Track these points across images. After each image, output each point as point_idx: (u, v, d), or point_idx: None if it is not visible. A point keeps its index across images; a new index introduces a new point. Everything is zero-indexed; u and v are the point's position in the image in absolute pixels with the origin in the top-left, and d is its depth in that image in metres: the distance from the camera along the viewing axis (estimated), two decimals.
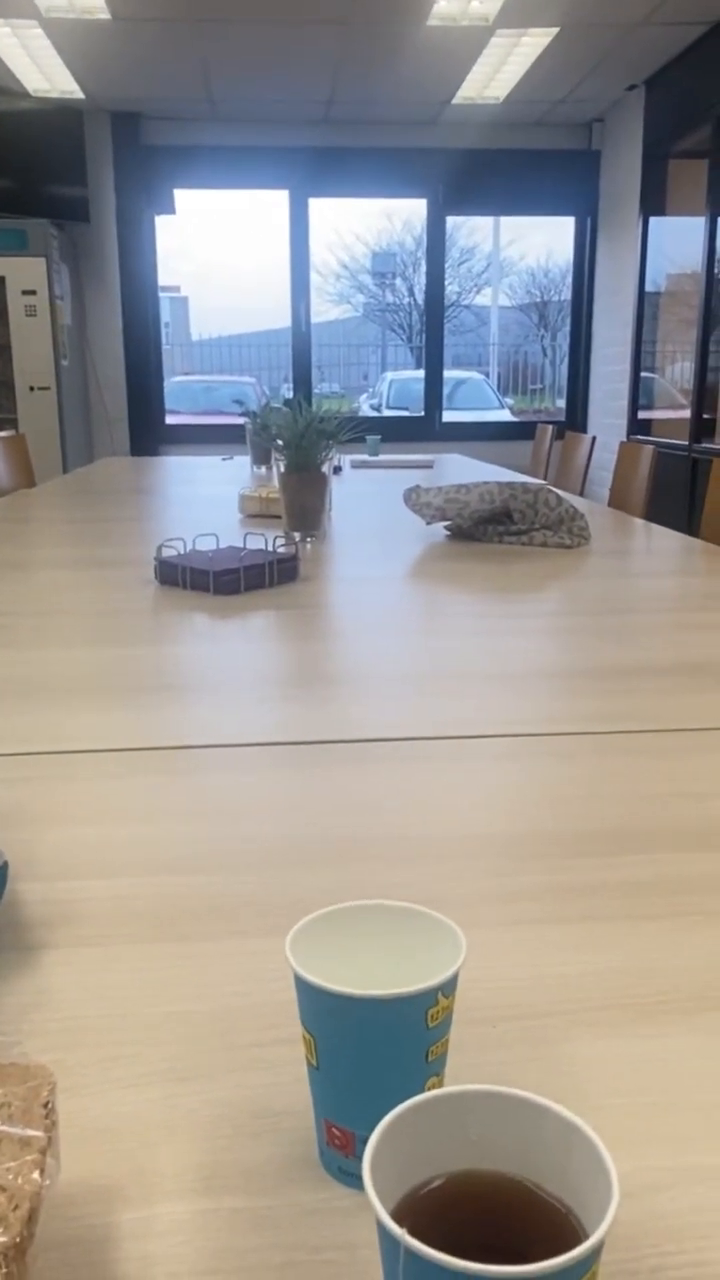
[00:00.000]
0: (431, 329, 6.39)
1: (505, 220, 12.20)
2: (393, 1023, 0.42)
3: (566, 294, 6.83)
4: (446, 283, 6.45)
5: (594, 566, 1.90)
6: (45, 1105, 0.40)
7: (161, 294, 6.18)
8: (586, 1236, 0.31)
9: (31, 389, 5.15)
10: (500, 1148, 0.35)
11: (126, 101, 5.45)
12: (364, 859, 0.76)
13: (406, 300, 14.10)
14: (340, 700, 1.14)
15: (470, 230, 13.27)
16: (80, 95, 5.30)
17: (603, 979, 0.60)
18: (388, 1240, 0.31)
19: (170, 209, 5.83)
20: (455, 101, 5.47)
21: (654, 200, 5.38)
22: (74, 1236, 0.42)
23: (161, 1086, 0.51)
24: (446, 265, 6.36)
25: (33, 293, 5.05)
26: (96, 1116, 0.49)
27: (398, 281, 14.41)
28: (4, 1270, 0.33)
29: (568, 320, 6.65)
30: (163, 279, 6.14)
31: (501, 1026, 0.56)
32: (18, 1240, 0.35)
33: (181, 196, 5.87)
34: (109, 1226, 0.43)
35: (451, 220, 6.32)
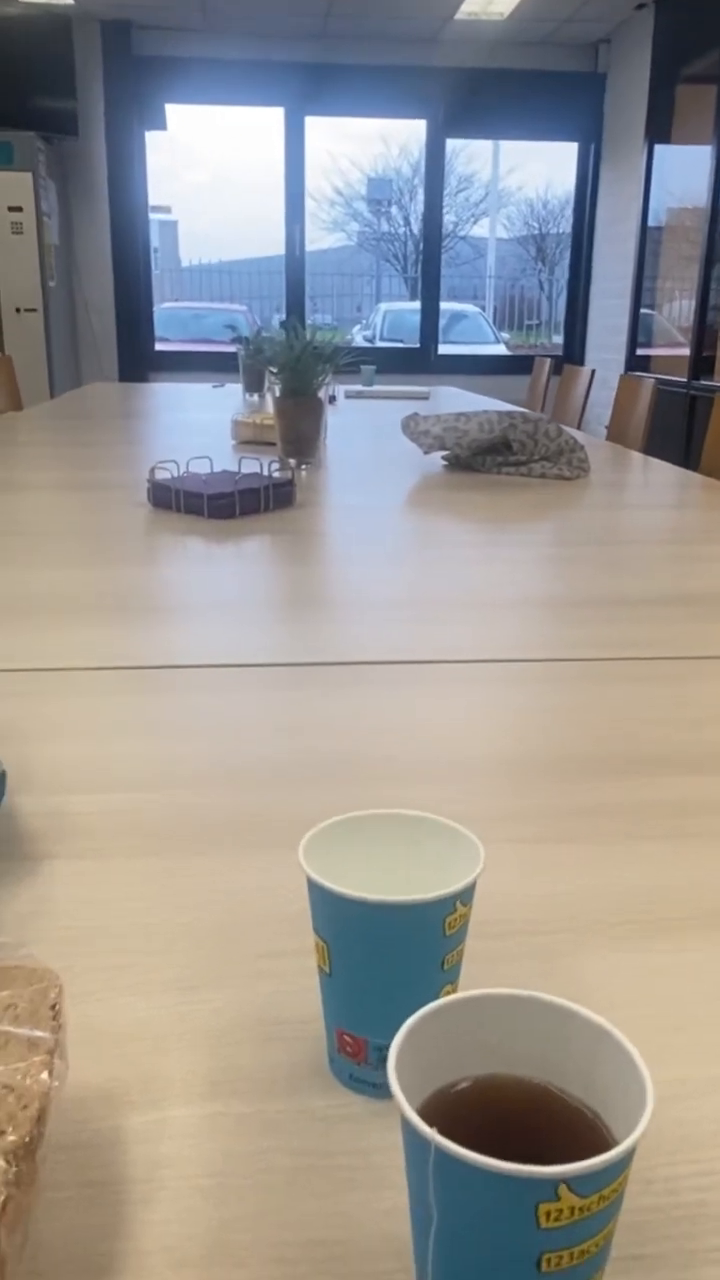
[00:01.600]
0: (429, 258, 6.25)
1: (505, 147, 11.87)
2: (410, 929, 0.41)
3: (565, 226, 6.68)
4: (444, 212, 6.29)
5: (593, 498, 1.88)
6: (53, 1008, 0.39)
7: (151, 215, 6.01)
8: (615, 1142, 0.30)
9: (18, 310, 5.02)
10: (524, 1053, 0.34)
11: (117, 9, 5.23)
12: (364, 778, 0.75)
13: (402, 230, 13.77)
14: (337, 624, 1.12)
15: (469, 157, 12.92)
16: (69, 1, 5.08)
17: (612, 896, 0.60)
18: (415, 1141, 0.30)
19: (162, 124, 5.64)
20: (458, 17, 5.28)
21: (660, 127, 5.23)
22: (82, 1140, 0.41)
23: (168, 994, 0.50)
24: (444, 194, 6.20)
25: (19, 209, 4.89)
26: (103, 1023, 0.48)
27: (393, 210, 14.06)
28: (14, 1169, 0.33)
29: (566, 254, 6.51)
30: (153, 199, 5.97)
31: (511, 941, 0.55)
32: (27, 1140, 0.34)
33: (173, 112, 5.68)
34: (117, 1130, 0.42)
35: (450, 145, 6.14)
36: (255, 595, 1.22)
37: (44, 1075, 0.36)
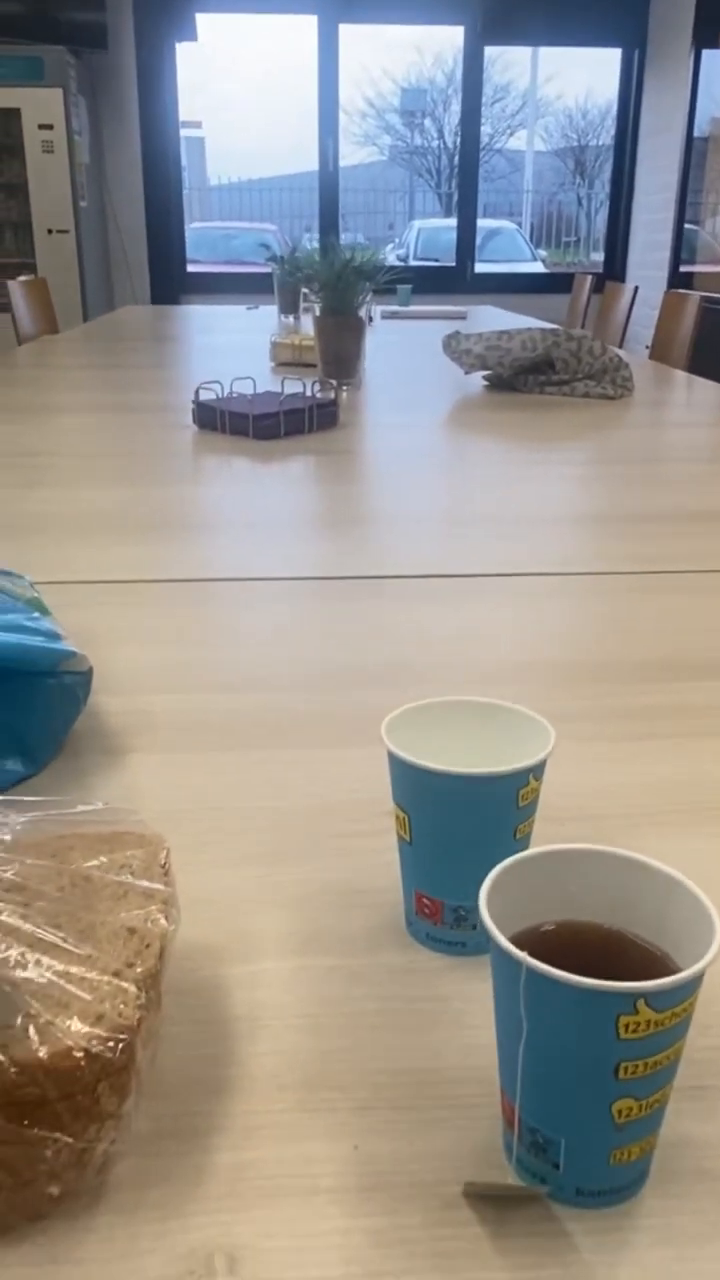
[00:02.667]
0: (465, 172, 6.08)
1: (544, 54, 11.41)
2: (487, 800, 0.45)
3: (606, 138, 6.46)
4: (480, 121, 6.10)
5: (636, 417, 1.87)
6: (163, 866, 0.43)
7: (182, 131, 5.87)
8: None
9: (50, 232, 4.96)
10: (600, 902, 0.38)
11: None
12: (421, 682, 0.78)
13: (436, 143, 13.34)
14: (387, 539, 1.14)
15: (505, 65, 12.42)
16: None
17: (663, 788, 0.63)
18: (505, 965, 0.33)
19: (192, 35, 5.48)
20: None
21: (708, 31, 5.01)
22: (189, 986, 0.45)
23: (255, 867, 0.54)
24: (481, 102, 6.00)
25: (49, 127, 4.80)
26: (197, 890, 0.52)
27: (427, 122, 13.61)
28: (144, 995, 0.37)
29: (606, 167, 6.31)
30: (183, 115, 5.83)
31: (569, 825, 0.58)
32: (153, 971, 0.38)
33: (204, 22, 5.51)
34: (219, 978, 0.46)
35: (487, 54, 5.92)
36: (304, 513, 1.25)
37: (162, 920, 0.40)
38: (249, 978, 0.46)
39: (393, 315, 3.85)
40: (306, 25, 5.60)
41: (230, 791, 0.62)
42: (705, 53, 5.07)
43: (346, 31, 5.66)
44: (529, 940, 0.36)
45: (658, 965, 0.36)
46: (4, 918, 0.37)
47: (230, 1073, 0.41)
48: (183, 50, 5.61)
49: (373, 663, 0.81)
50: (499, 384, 2.11)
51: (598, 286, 4.27)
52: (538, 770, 0.45)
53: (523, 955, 0.32)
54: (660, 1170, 0.37)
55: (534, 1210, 0.35)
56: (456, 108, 6.07)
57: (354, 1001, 0.45)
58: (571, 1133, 0.34)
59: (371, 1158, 0.37)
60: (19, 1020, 0.34)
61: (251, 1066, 0.41)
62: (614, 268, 6.06)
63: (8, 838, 0.40)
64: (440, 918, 0.47)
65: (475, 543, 1.13)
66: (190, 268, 6.07)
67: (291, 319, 3.54)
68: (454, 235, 6.14)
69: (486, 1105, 0.39)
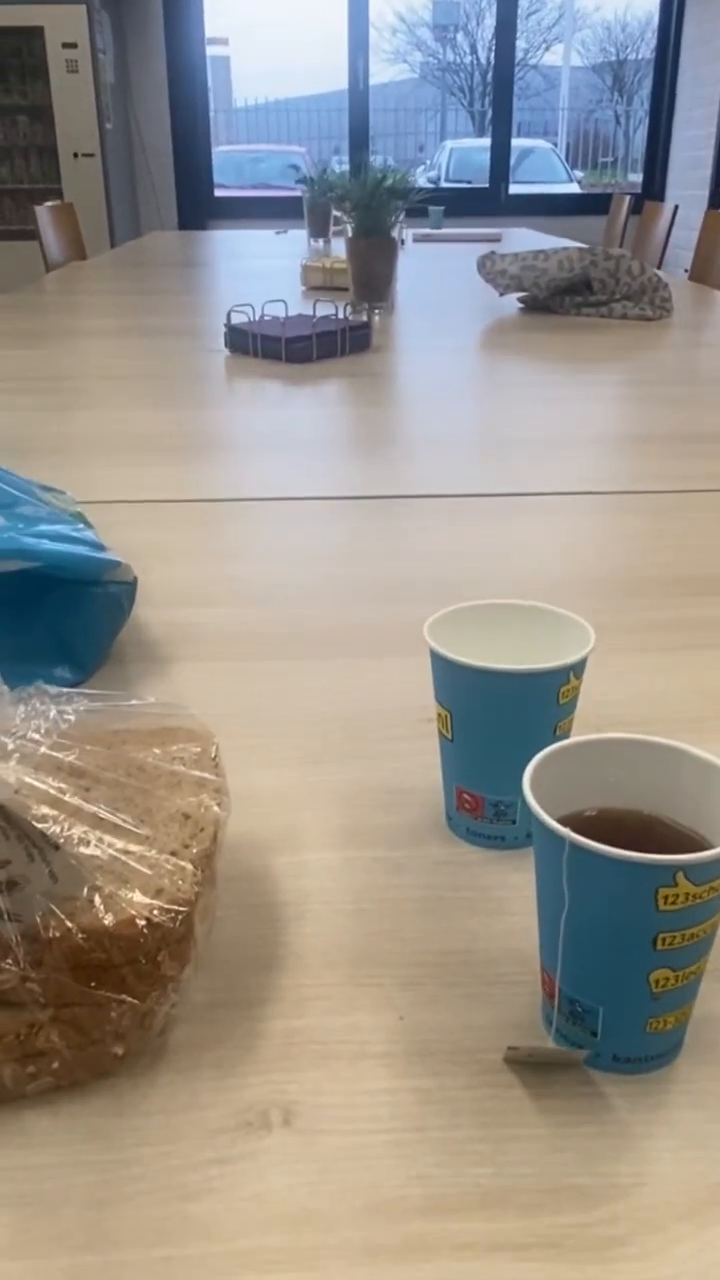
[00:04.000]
0: (500, 89, 5.88)
1: None
2: (529, 696, 0.46)
3: (646, 51, 6.21)
4: (516, 35, 5.87)
5: (674, 338, 1.84)
6: (214, 759, 0.45)
7: (208, 48, 5.71)
8: None
9: (76, 156, 4.88)
10: (639, 789, 0.39)
11: None
12: (457, 596, 0.78)
13: (469, 59, 12.88)
14: (421, 460, 1.14)
15: None
16: None
17: (704, 697, 0.64)
18: (548, 841, 0.35)
19: None
20: None
21: None
22: (238, 874, 0.47)
23: (298, 768, 0.56)
24: (516, 15, 5.78)
25: (73, 45, 4.68)
26: (243, 788, 0.53)
27: (459, 37, 13.13)
28: (200, 872, 0.38)
29: (646, 83, 6.07)
30: (208, 31, 5.66)
31: (607, 732, 0.59)
32: (209, 852, 0.40)
33: None
34: (267, 868, 0.48)
35: None
36: (339, 434, 1.25)
37: (214, 806, 0.42)
38: (296, 867, 0.48)
39: (425, 238, 3.77)
40: None
41: (273, 698, 0.63)
42: None
43: None
44: (571, 823, 0.37)
45: (696, 845, 0.37)
46: (68, 798, 0.38)
47: (280, 951, 0.43)
48: None
49: (410, 578, 0.82)
50: (534, 306, 2.08)
51: (636, 207, 4.15)
52: (578, 668, 0.46)
53: (565, 831, 0.33)
54: (693, 1042, 0.39)
55: (573, 1075, 0.37)
56: (490, 21, 5.86)
57: (397, 889, 0.47)
58: (610, 1002, 0.36)
59: (417, 1027, 0.39)
60: (85, 891, 0.36)
61: (300, 946, 0.43)
62: (653, 187, 5.88)
63: (69, 722, 0.42)
64: (481, 812, 0.49)
65: (512, 463, 1.13)
66: (217, 192, 5.96)
67: (321, 242, 3.48)
68: (487, 156, 5.97)
69: (526, 982, 0.41)
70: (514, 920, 0.44)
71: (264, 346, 1.65)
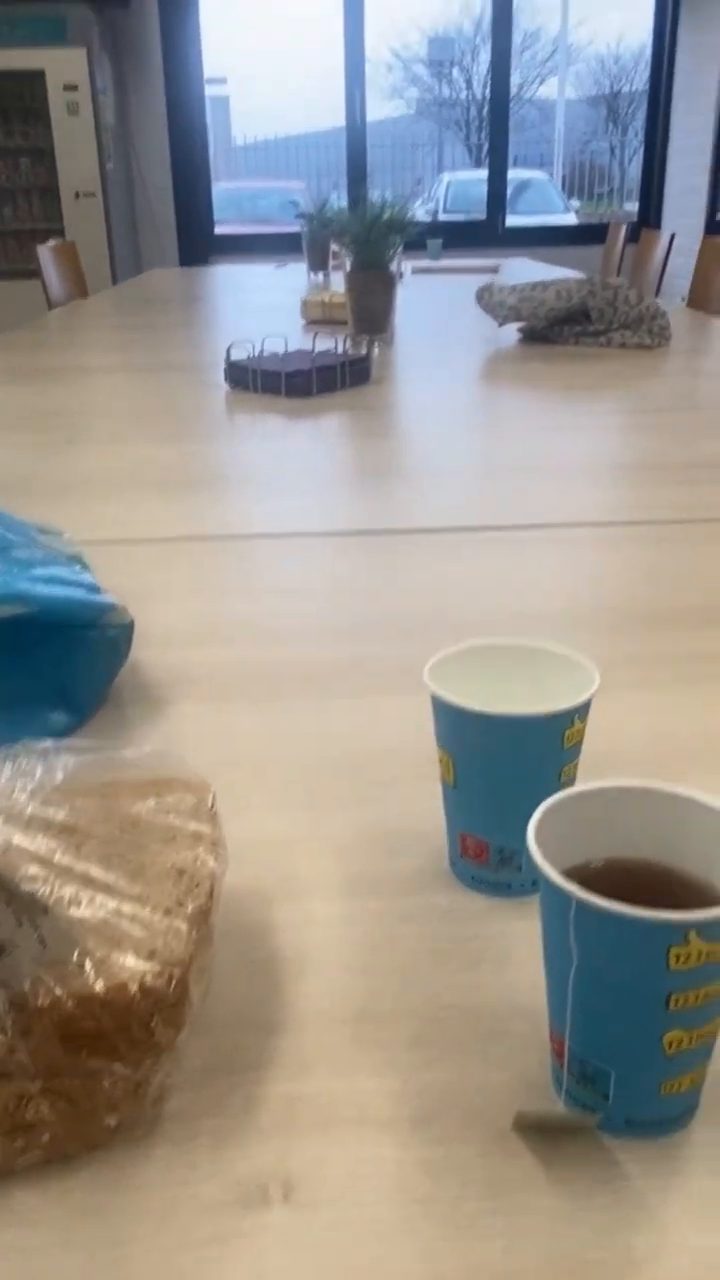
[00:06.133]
0: (495, 123, 5.95)
1: None
2: (532, 741, 0.45)
3: (639, 83, 6.29)
4: (510, 70, 5.95)
5: (673, 366, 1.84)
6: (210, 809, 0.44)
7: (207, 87, 5.79)
8: None
9: (77, 196, 4.93)
10: (648, 839, 0.38)
11: None
12: (457, 633, 0.77)
13: (464, 94, 13.06)
14: (421, 493, 1.13)
15: (535, 10, 12.10)
16: None
17: (712, 734, 0.62)
18: (555, 898, 0.33)
19: None
20: None
21: None
22: (237, 928, 0.46)
23: (299, 813, 0.55)
24: (511, 50, 5.85)
25: (74, 88, 4.75)
26: (243, 836, 0.52)
27: (455, 72, 13.32)
28: (195, 931, 0.37)
29: (639, 113, 6.14)
30: (207, 71, 5.74)
31: (615, 771, 0.58)
32: (204, 909, 0.38)
33: None
34: (268, 920, 0.47)
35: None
36: (338, 468, 1.24)
37: (210, 860, 0.41)
38: (297, 919, 0.47)
39: (424, 270, 3.80)
40: None
41: (272, 740, 0.62)
42: None
43: None
44: (577, 876, 0.36)
45: (708, 899, 0.36)
46: (59, 857, 0.37)
47: (280, 1010, 0.42)
48: (205, 4, 5.52)
49: (411, 614, 0.81)
50: (533, 336, 2.08)
51: (632, 235, 4.18)
52: (582, 711, 0.45)
53: (573, 887, 0.32)
54: (711, 1102, 0.37)
55: (585, 1141, 0.36)
56: (485, 56, 5.93)
57: (401, 941, 0.45)
58: (622, 1064, 0.35)
59: (422, 1090, 0.38)
60: (75, 955, 0.35)
61: (301, 1004, 0.42)
62: (649, 216, 5.92)
63: (59, 777, 0.41)
64: (486, 859, 0.47)
65: (513, 494, 1.12)
66: (218, 229, 6.02)
67: (321, 276, 3.51)
68: (484, 188, 6.02)
69: (535, 1040, 0.39)
70: (521, 972, 0.43)
71: (264, 381, 1.65)
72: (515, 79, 6.59)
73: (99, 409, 1.58)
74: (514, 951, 0.44)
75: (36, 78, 4.78)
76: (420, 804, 0.54)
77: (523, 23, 11.49)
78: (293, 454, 1.30)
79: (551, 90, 13.15)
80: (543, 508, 1.06)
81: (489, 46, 5.85)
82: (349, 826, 0.53)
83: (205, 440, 1.37)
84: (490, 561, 0.92)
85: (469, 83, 12.92)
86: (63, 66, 4.74)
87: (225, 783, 0.57)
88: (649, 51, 5.89)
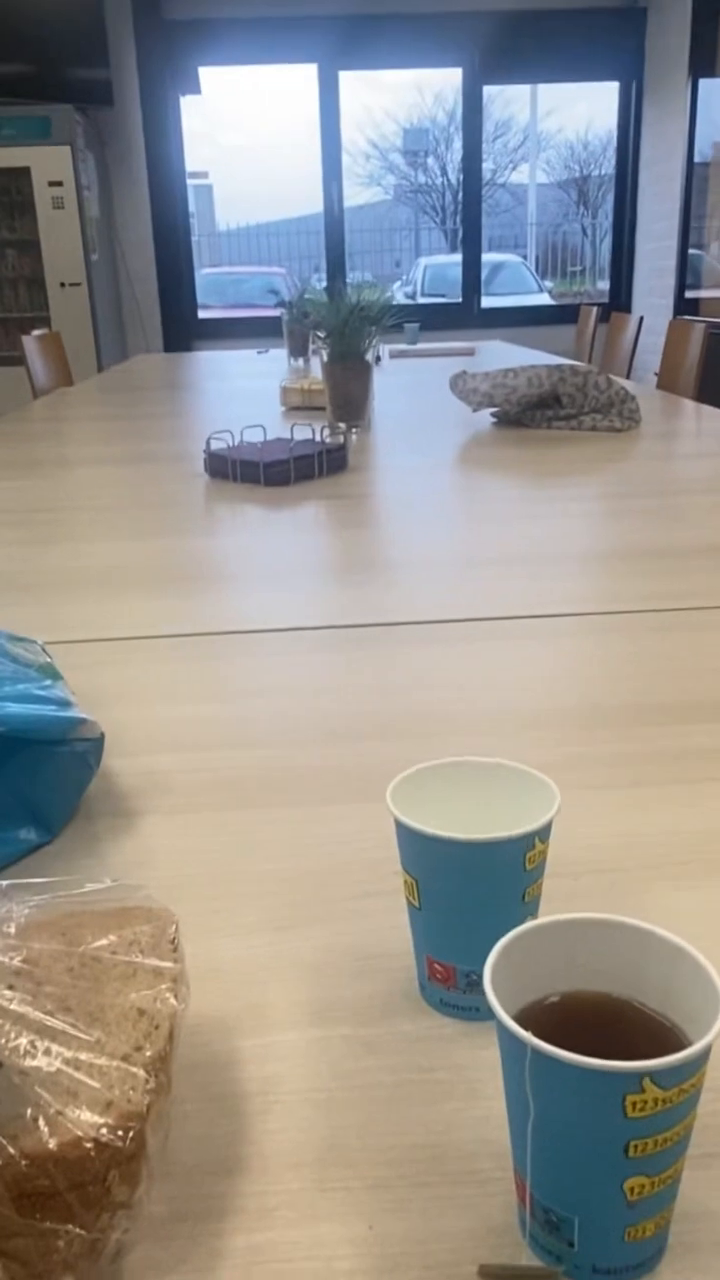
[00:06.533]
0: (469, 209, 6.15)
1: (543, 89, 11.56)
2: (494, 864, 0.45)
3: (608, 168, 6.52)
4: (482, 159, 6.18)
5: (645, 449, 1.87)
6: (172, 942, 0.43)
7: (189, 181, 5.99)
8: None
9: (62, 285, 5.06)
10: (607, 971, 0.38)
11: None
12: (433, 733, 0.78)
13: (439, 180, 13.51)
14: (397, 585, 1.15)
15: (505, 102, 12.58)
16: None
17: (680, 837, 0.62)
18: (512, 1045, 0.33)
19: (196, 89, 5.60)
20: None
21: (704, 60, 5.08)
22: (201, 1061, 0.45)
23: (266, 933, 0.54)
24: (482, 140, 6.08)
25: (59, 184, 4.91)
26: (207, 960, 0.52)
27: (429, 160, 13.79)
28: (154, 1079, 0.37)
29: (609, 196, 6.36)
30: (190, 165, 5.94)
31: (584, 879, 0.58)
32: (162, 1054, 0.38)
33: (206, 75, 5.63)
34: (231, 1052, 0.46)
35: (487, 91, 6.02)
36: (315, 560, 1.26)
37: (171, 999, 0.40)
38: (262, 1050, 0.46)
39: (401, 354, 3.89)
40: (307, 74, 5.72)
41: (241, 852, 0.62)
42: (702, 81, 5.13)
43: (346, 77, 5.77)
44: (535, 1014, 0.36)
45: (666, 1036, 0.35)
46: (13, 1006, 0.37)
47: (243, 1151, 0.41)
48: (187, 103, 5.74)
49: (386, 712, 0.81)
50: (507, 420, 2.13)
51: (604, 316, 4.30)
52: (543, 833, 0.45)
53: (527, 1036, 0.32)
54: (677, 1244, 0.36)
55: None
56: (459, 145, 6.16)
57: (368, 1073, 0.45)
58: (584, 1211, 0.34)
59: (386, 1238, 0.37)
60: (29, 1111, 0.34)
61: (264, 1145, 0.41)
62: (619, 296, 6.10)
63: (14, 928, 0.40)
64: (453, 983, 0.47)
65: (488, 585, 1.13)
66: (201, 313, 6.16)
67: (301, 362, 3.59)
68: (460, 271, 6.20)
69: (501, 1180, 0.39)
70: (488, 1105, 0.43)
71: (242, 471, 1.68)
72: (488, 166, 6.82)
73: (79, 503, 1.60)
74: (482, 1084, 0.44)
75: (23, 174, 4.94)
76: (387, 918, 0.54)
77: (494, 113, 11.94)
78: (269, 546, 1.31)
79: (523, 176, 13.60)
80: (518, 599, 1.08)
81: (461, 137, 6.08)
82: (315, 948, 0.53)
83: (182, 534, 1.39)
84: (466, 656, 0.93)
85: (444, 170, 13.36)
86: (48, 163, 4.89)
87: (192, 901, 0.57)
88: (614, 140, 6.13)
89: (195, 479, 1.72)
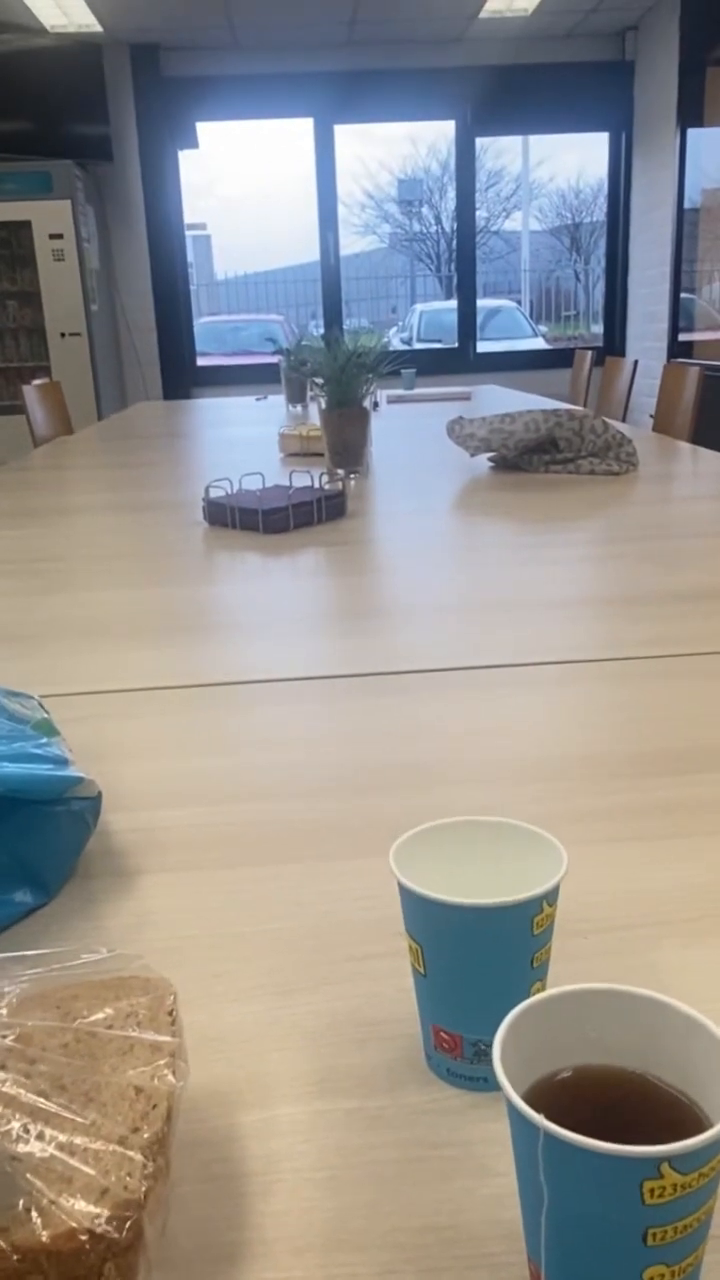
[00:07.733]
0: (463, 256, 6.25)
1: (535, 140, 11.81)
2: (501, 930, 0.43)
3: (599, 215, 6.64)
4: (475, 209, 6.28)
5: (642, 493, 1.88)
6: (170, 1014, 0.42)
7: (187, 232, 6.09)
8: (711, 1124, 0.32)
9: (62, 335, 5.12)
10: (620, 1044, 0.36)
11: (145, 33, 5.32)
12: (437, 784, 0.77)
13: (434, 228, 13.75)
14: (398, 632, 1.14)
15: (498, 152, 12.84)
16: (98, 29, 5.18)
17: (688, 891, 0.61)
18: (523, 1127, 0.32)
19: (193, 143, 5.71)
20: (482, 16, 5.28)
21: (692, 111, 5.18)
22: (201, 1137, 0.44)
23: (267, 1000, 0.53)
24: (475, 191, 6.19)
25: (59, 236, 4.99)
26: (208, 1028, 0.51)
27: (424, 209, 14.04)
28: (152, 1163, 0.35)
29: (601, 242, 6.47)
30: (188, 217, 6.05)
31: (593, 938, 0.57)
32: (160, 1136, 0.37)
33: (204, 130, 5.75)
34: (231, 1128, 0.45)
35: (479, 142, 6.14)
36: (315, 608, 1.25)
37: (169, 1076, 0.39)
38: (263, 1126, 0.45)
39: (398, 399, 3.92)
40: (303, 128, 5.83)
41: (241, 912, 0.61)
42: (691, 131, 5.23)
43: (343, 130, 5.89)
44: (547, 1091, 0.35)
45: (684, 1114, 0.34)
46: (5, 1088, 0.36)
47: (244, 1236, 0.39)
48: (185, 157, 5.85)
49: (387, 763, 0.80)
50: (504, 464, 2.14)
51: (598, 360, 4.34)
52: (551, 896, 0.44)
53: (539, 1119, 0.31)
54: None
55: None
56: (452, 194, 6.27)
57: (373, 1150, 0.43)
58: None
59: None
60: (20, 1202, 0.33)
61: (266, 1227, 0.40)
62: (614, 341, 6.17)
63: (5, 1008, 0.39)
64: (460, 1052, 0.46)
65: (488, 632, 1.13)
66: (200, 361, 6.23)
67: (299, 408, 3.62)
68: (455, 317, 6.28)
69: (515, 1266, 0.37)
70: (499, 1183, 0.41)
71: (241, 518, 1.68)
72: (481, 214, 6.96)
73: (78, 552, 1.60)
74: (492, 1160, 0.42)
75: (24, 227, 5.02)
76: (392, 981, 0.53)
77: (487, 163, 12.18)
78: (269, 594, 1.31)
79: (516, 223, 13.84)
80: (520, 646, 1.07)
81: (455, 186, 6.19)
82: (320, 1012, 0.51)
83: (182, 583, 1.39)
84: (467, 704, 0.92)
85: (438, 218, 13.59)
86: (48, 217, 4.98)
87: (191, 965, 0.56)
88: (605, 187, 6.24)
89: (194, 527, 1.72)
